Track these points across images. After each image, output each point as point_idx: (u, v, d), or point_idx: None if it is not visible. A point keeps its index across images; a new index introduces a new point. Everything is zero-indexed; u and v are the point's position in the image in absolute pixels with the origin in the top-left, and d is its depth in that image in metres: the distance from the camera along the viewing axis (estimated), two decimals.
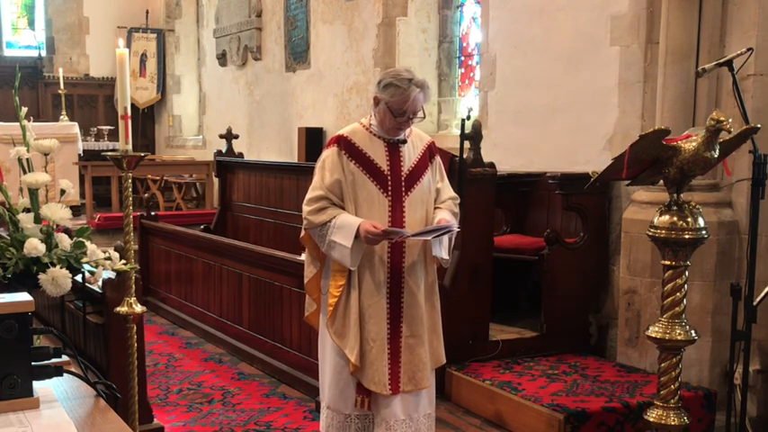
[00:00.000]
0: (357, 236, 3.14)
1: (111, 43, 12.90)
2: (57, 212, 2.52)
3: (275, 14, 10.08)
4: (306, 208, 3.27)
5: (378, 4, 8.01)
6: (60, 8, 13.52)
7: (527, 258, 5.32)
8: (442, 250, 3.32)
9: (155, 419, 4.17)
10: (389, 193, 3.26)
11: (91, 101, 13.67)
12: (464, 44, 7.74)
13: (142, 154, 3.01)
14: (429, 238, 3.23)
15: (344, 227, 3.17)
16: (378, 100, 3.23)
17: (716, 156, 3.11)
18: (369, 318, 3.27)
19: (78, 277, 3.15)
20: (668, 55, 4.70)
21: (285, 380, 5.22)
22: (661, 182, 3.25)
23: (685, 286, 3.22)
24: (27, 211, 2.56)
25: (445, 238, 3.29)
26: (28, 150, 2.61)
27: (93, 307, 4.04)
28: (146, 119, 13.77)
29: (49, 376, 1.79)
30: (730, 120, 3.04)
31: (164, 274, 7.28)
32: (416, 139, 3.38)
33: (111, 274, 3.73)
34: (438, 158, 3.44)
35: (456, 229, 3.26)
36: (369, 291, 3.26)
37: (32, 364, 1.72)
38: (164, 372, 5.48)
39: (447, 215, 3.31)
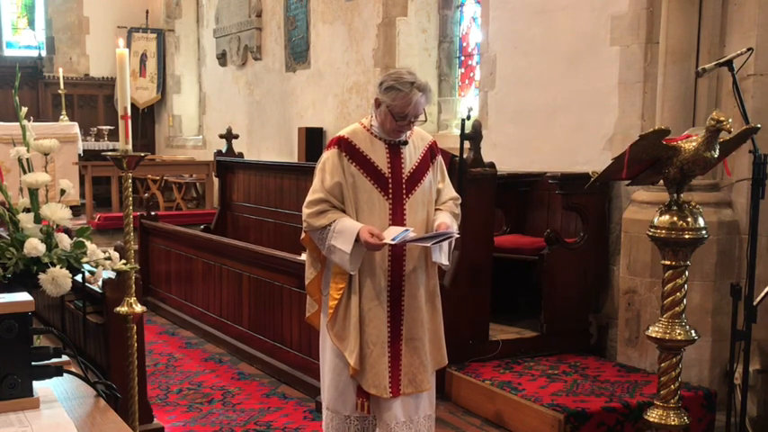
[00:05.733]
0: (357, 240, 3.13)
1: (111, 43, 12.90)
2: (57, 212, 2.52)
3: (275, 14, 10.08)
4: (306, 210, 3.26)
5: (378, 4, 8.01)
6: (60, 8, 13.52)
7: (527, 258, 5.32)
8: (442, 256, 3.30)
9: (155, 419, 4.17)
10: (390, 195, 3.25)
11: (91, 101, 13.67)
12: (464, 44, 7.74)
13: (142, 154, 3.01)
14: (428, 245, 3.20)
15: (344, 231, 3.14)
16: (379, 102, 3.21)
17: (716, 156, 3.11)
18: (369, 321, 3.25)
19: (78, 277, 3.15)
20: (668, 55, 4.70)
21: (285, 380, 5.22)
22: (661, 182, 3.26)
23: (685, 286, 3.23)
24: (27, 211, 2.56)
25: (445, 244, 3.27)
26: (28, 150, 2.61)
27: (93, 307, 4.05)
28: (146, 119, 13.77)
29: (49, 376, 1.79)
30: (730, 120, 3.04)
31: (164, 274, 7.28)
32: (417, 139, 3.36)
33: (111, 274, 3.74)
34: (440, 158, 3.43)
35: (456, 234, 3.25)
36: (369, 296, 3.25)
37: (32, 364, 1.72)
38: (164, 372, 5.48)
39: (447, 218, 3.29)
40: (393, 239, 3.10)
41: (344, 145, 3.26)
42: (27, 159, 2.60)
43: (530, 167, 5.86)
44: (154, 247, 7.41)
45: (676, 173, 3.13)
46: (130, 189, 3.01)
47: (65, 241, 2.51)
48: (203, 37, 12.67)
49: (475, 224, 4.84)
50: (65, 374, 1.82)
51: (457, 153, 4.92)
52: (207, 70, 12.54)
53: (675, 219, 3.15)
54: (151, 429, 4.04)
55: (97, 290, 3.95)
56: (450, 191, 3.44)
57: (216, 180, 8.89)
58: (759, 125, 3.25)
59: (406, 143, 3.29)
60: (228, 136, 8.31)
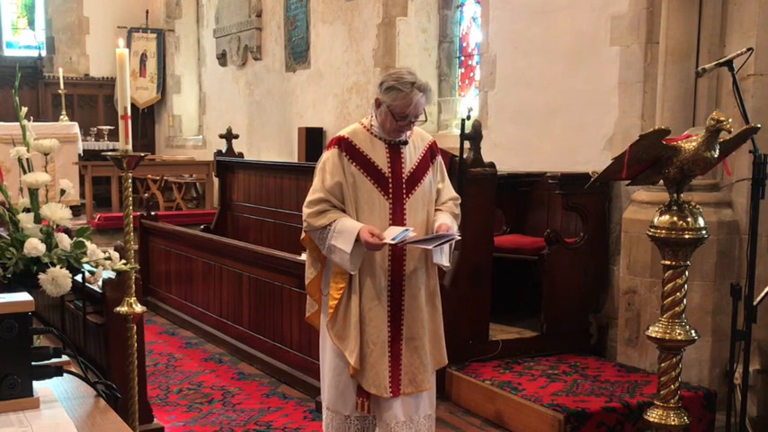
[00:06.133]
0: (357, 240, 3.13)
1: (111, 43, 12.90)
2: (57, 212, 2.52)
3: (275, 14, 10.08)
4: (306, 210, 3.26)
5: (378, 4, 8.01)
6: (60, 8, 13.52)
7: (527, 258, 5.32)
8: (443, 257, 3.30)
9: (155, 419, 4.18)
10: (390, 195, 3.25)
11: (91, 101, 13.67)
12: (464, 44, 7.74)
13: (142, 154, 3.01)
14: (429, 247, 3.21)
15: (344, 231, 3.15)
16: (379, 102, 3.21)
17: (716, 156, 3.11)
18: (369, 321, 3.25)
19: (78, 277, 3.15)
20: (668, 55, 4.70)
21: (285, 380, 5.22)
22: (661, 182, 3.25)
23: (685, 286, 3.23)
24: (27, 211, 2.56)
25: (446, 246, 3.28)
26: (28, 150, 2.61)
27: (93, 307, 4.05)
28: (146, 119, 13.77)
29: (49, 376, 1.79)
30: (730, 120, 3.04)
31: (164, 274, 7.28)
32: (417, 139, 3.36)
33: (111, 274, 3.74)
34: (440, 158, 3.43)
35: (457, 237, 3.25)
36: (369, 295, 3.25)
37: (32, 364, 1.72)
38: (164, 372, 5.48)
39: (447, 219, 3.30)
40: (393, 239, 3.10)
41: (345, 145, 3.26)
42: (27, 159, 2.60)
43: (530, 167, 5.86)
44: (154, 247, 7.41)
45: (676, 173, 3.13)
46: (130, 189, 3.01)
47: (65, 241, 2.51)
48: (203, 37, 12.68)
49: (475, 224, 4.84)
50: (65, 374, 1.82)
51: (457, 153, 4.92)
52: (207, 70, 12.54)
53: (675, 219, 3.15)
54: (151, 429, 4.04)
55: (97, 290, 3.95)
56: (449, 191, 3.45)
57: (216, 180, 8.89)
58: (759, 125, 3.25)
59: (406, 143, 3.30)
60: (228, 136, 8.31)
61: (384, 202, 3.24)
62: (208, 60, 12.41)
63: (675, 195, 3.19)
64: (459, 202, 3.47)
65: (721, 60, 3.87)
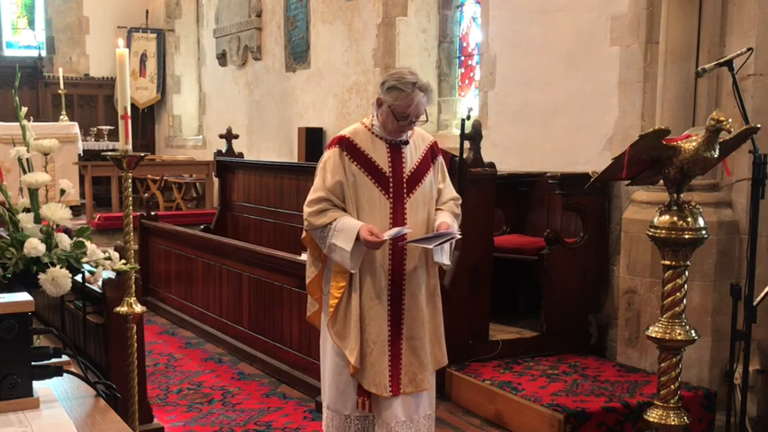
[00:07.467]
0: (357, 239, 3.14)
1: (111, 43, 12.90)
2: (57, 212, 2.52)
3: (275, 14, 10.08)
4: (307, 209, 3.27)
5: (378, 4, 8.01)
6: (60, 8, 13.52)
7: (527, 258, 5.32)
8: (444, 256, 3.31)
9: (155, 419, 4.18)
10: (391, 194, 3.26)
11: (91, 101, 13.67)
12: (464, 44, 7.74)
13: (142, 154, 3.01)
14: (430, 246, 3.21)
15: (345, 230, 3.16)
16: (381, 102, 3.22)
17: (716, 156, 3.11)
18: (369, 320, 3.26)
19: (78, 277, 3.15)
20: (668, 55, 4.70)
21: (285, 380, 5.22)
22: (661, 182, 3.25)
23: (685, 286, 3.22)
24: (27, 211, 2.56)
25: (447, 244, 3.28)
26: (28, 150, 2.61)
27: (93, 307, 4.04)
28: (146, 119, 13.77)
29: (49, 376, 1.79)
30: (730, 120, 3.04)
31: (164, 274, 7.28)
32: (418, 139, 3.37)
33: (111, 274, 3.74)
34: (440, 159, 3.44)
35: (458, 235, 3.26)
36: (370, 294, 3.26)
37: (32, 364, 1.72)
38: (164, 372, 5.48)
39: (448, 218, 3.30)
40: (390, 236, 3.13)
41: (345, 144, 3.27)
42: (27, 159, 2.60)
43: (530, 167, 5.86)
44: (154, 247, 7.41)
45: (676, 173, 3.13)
46: (130, 189, 3.01)
47: (65, 241, 2.51)
48: (203, 37, 12.67)
49: (475, 224, 4.84)
50: (65, 374, 1.82)
51: (457, 153, 4.93)
52: (207, 70, 12.54)
53: (675, 219, 3.15)
54: (151, 429, 4.04)
55: (97, 290, 3.95)
56: (450, 191, 3.45)
57: (216, 180, 8.89)
58: (759, 125, 3.25)
59: (407, 143, 3.31)
60: (228, 136, 8.31)
61: (385, 201, 3.25)
62: (208, 60, 12.41)
63: (675, 195, 3.19)
64: (460, 202, 3.48)
65: (721, 60, 3.87)
